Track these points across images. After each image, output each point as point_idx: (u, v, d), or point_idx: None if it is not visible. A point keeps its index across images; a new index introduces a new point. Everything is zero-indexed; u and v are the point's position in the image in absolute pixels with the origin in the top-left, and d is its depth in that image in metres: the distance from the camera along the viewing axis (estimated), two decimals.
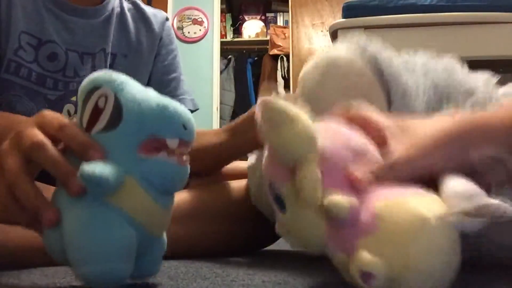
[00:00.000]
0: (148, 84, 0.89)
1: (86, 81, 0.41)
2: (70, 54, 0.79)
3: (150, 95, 0.41)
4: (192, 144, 0.42)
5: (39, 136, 0.39)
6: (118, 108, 0.39)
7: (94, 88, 0.40)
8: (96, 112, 0.39)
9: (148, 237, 0.41)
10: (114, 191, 0.37)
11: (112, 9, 0.85)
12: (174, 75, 0.91)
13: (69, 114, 0.79)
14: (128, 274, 0.39)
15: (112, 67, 0.84)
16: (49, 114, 0.41)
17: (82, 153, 0.38)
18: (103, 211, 0.37)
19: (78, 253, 0.37)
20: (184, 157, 0.41)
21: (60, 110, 0.77)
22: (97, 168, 0.36)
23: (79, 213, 0.37)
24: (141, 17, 0.90)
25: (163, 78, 0.91)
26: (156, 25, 0.91)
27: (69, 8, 0.80)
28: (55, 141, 0.40)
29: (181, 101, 0.88)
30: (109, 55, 0.84)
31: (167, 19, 0.95)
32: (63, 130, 0.40)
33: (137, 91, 0.40)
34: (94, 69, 0.81)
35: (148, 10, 0.92)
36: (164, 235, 0.45)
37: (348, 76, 0.59)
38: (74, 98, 0.79)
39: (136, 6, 0.91)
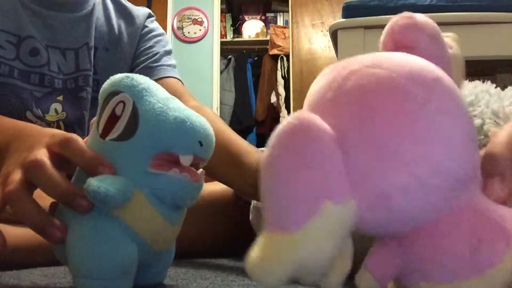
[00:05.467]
0: None
1: (107, 83, 0.40)
2: (50, 50, 0.77)
3: (170, 106, 0.39)
4: (208, 159, 0.40)
5: (38, 155, 0.38)
6: (134, 118, 0.38)
7: (114, 92, 0.39)
8: (113, 119, 0.38)
9: (153, 252, 0.40)
10: (121, 206, 0.36)
11: (94, 4, 0.84)
12: (151, 55, 0.88)
13: (56, 112, 0.78)
14: None
15: (93, 60, 0.83)
16: (58, 131, 0.40)
17: (90, 170, 0.37)
18: (108, 226, 0.37)
19: (79, 266, 0.37)
20: (199, 171, 0.40)
21: (47, 108, 0.77)
22: (104, 184, 0.35)
23: (84, 225, 0.37)
24: (123, 13, 0.89)
25: (140, 62, 0.88)
26: (138, 21, 0.90)
27: (47, 2, 0.77)
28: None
29: (158, 71, 0.85)
30: (92, 48, 0.82)
31: (150, 15, 0.93)
32: (68, 147, 0.38)
33: (157, 99, 0.39)
34: (78, 65, 0.80)
35: (130, 6, 0.92)
36: (172, 246, 0.44)
37: None
38: (60, 98, 0.78)
39: (117, 2, 0.90)
